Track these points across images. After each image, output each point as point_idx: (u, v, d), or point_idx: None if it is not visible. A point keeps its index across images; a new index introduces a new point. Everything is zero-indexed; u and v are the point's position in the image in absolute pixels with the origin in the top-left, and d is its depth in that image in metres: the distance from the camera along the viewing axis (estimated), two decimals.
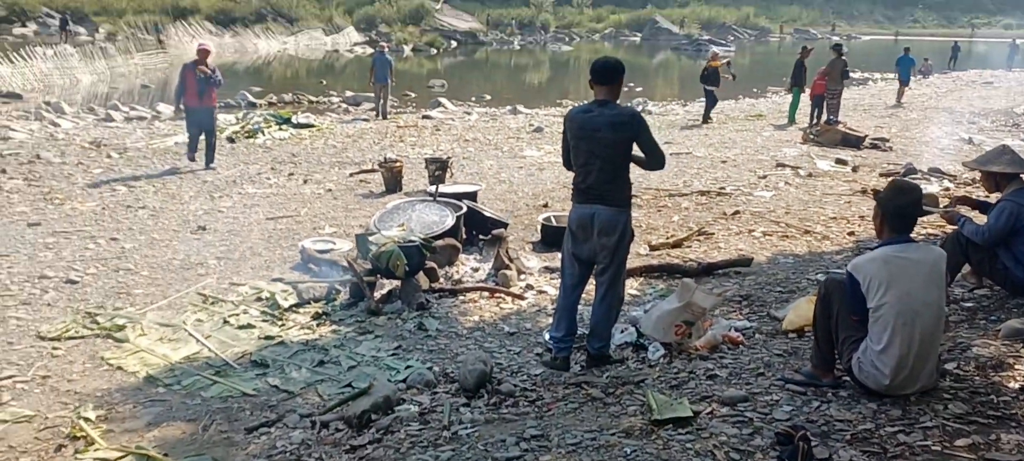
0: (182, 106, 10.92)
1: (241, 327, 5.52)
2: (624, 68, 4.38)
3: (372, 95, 18.55)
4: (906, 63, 21.82)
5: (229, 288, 6.36)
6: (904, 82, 21.82)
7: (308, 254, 7.03)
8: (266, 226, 8.27)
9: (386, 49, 18.87)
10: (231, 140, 13.24)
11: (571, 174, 4.46)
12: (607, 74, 4.28)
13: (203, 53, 10.83)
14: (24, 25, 41.25)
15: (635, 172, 4.40)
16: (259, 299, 6.10)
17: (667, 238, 7.74)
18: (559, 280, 4.78)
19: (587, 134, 4.23)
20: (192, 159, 11.00)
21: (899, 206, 3.53)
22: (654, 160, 4.35)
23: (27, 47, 23.65)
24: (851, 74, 18.80)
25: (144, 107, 18.30)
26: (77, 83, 22.98)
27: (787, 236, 7.76)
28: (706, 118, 17.09)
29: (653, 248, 7.47)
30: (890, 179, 3.82)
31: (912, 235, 3.58)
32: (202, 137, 10.92)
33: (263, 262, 7.09)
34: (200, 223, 8.24)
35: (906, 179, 4.25)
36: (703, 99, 17.72)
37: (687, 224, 8.32)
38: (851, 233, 7.75)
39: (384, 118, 17.48)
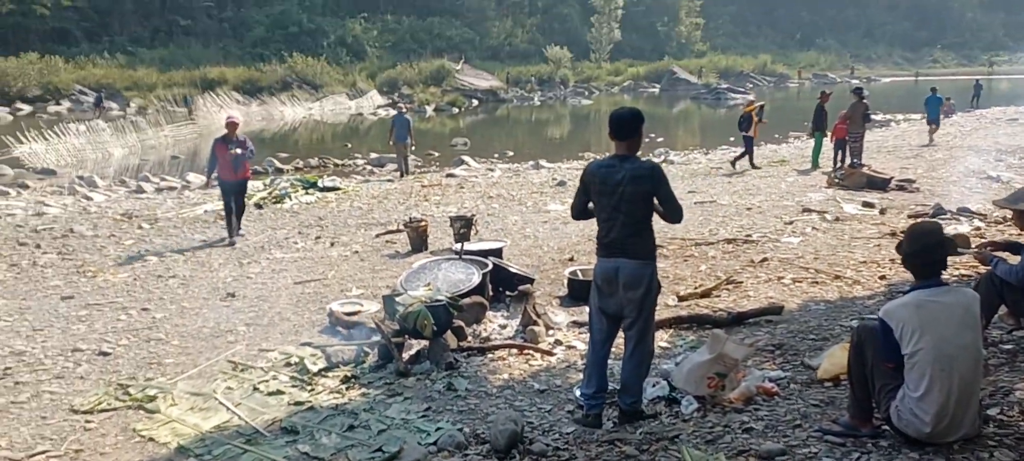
0: (216, 180, 10.84)
1: (271, 393, 5.52)
2: (643, 118, 4.38)
3: (395, 155, 18.82)
4: (934, 103, 21.71)
5: (258, 354, 6.39)
6: (933, 122, 21.70)
7: (336, 317, 7.06)
8: (294, 290, 8.33)
9: (404, 110, 19.48)
10: (259, 206, 13.42)
11: (584, 224, 4.46)
12: (625, 128, 4.30)
13: (232, 125, 10.71)
14: (58, 103, 42.42)
15: (659, 222, 4.39)
16: (288, 364, 6.11)
17: (695, 288, 7.67)
18: (587, 335, 4.75)
19: (609, 189, 4.26)
20: (233, 243, 10.67)
21: (920, 251, 3.48)
22: (672, 213, 4.33)
23: (61, 123, 24.30)
24: (873, 116, 18.74)
25: (174, 177, 18.67)
26: (109, 157, 23.52)
27: (817, 282, 7.66)
28: (751, 164, 17.06)
29: (681, 299, 7.41)
30: (910, 225, 3.78)
31: (944, 278, 3.53)
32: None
33: (292, 327, 7.12)
34: (229, 290, 8.32)
35: (923, 222, 4.22)
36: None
37: (715, 273, 8.25)
38: (882, 277, 7.64)
39: (406, 176, 17.76)
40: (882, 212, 11.32)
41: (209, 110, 34.28)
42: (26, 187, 16.64)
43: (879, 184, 13.34)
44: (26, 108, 40.39)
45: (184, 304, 7.87)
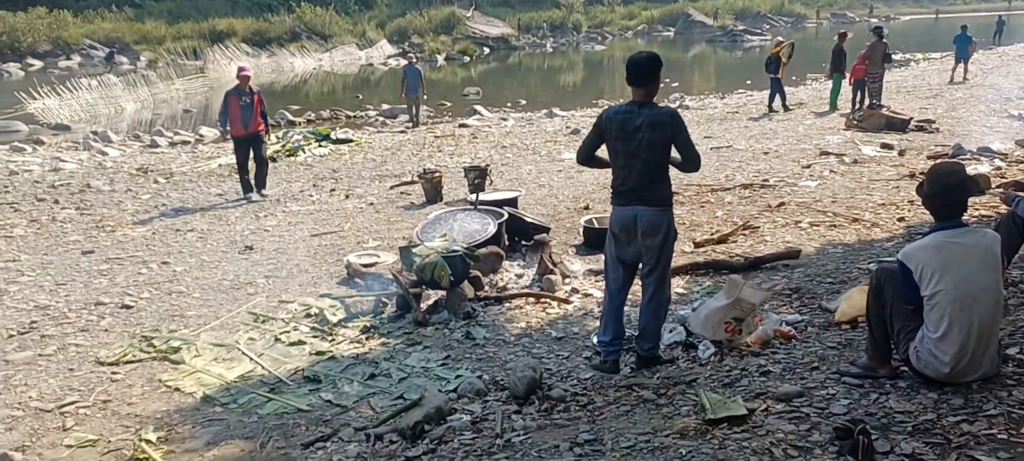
0: (228, 133, 10.75)
1: (292, 344, 5.59)
2: (661, 63, 4.30)
3: (406, 106, 18.85)
4: (964, 41, 21.24)
5: (278, 306, 6.46)
6: (963, 59, 21.27)
7: (353, 269, 7.11)
8: (311, 243, 8.39)
9: (415, 60, 19.60)
10: (272, 159, 13.42)
11: (599, 172, 4.42)
12: (642, 74, 4.22)
13: (244, 78, 10.44)
14: (68, 57, 42.36)
15: (674, 168, 4.36)
16: (308, 315, 6.19)
17: (711, 234, 7.66)
18: (603, 283, 4.76)
19: (626, 135, 4.20)
20: (248, 197, 10.58)
21: (941, 192, 3.44)
22: (690, 162, 4.26)
23: (72, 78, 24.31)
24: (893, 56, 18.41)
25: (187, 131, 18.70)
26: (122, 111, 23.55)
27: (835, 226, 7.63)
28: (771, 107, 16.98)
29: (698, 245, 7.40)
30: (930, 166, 3.73)
31: (964, 219, 3.49)
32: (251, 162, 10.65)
33: (310, 279, 7.18)
34: (247, 243, 8.39)
35: (944, 162, 4.19)
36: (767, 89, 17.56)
37: (731, 219, 8.23)
38: (901, 219, 7.59)
39: (419, 127, 17.87)
40: (901, 154, 11.19)
41: (219, 62, 34.15)
42: (41, 143, 16.71)
43: (898, 125, 13.17)
44: (37, 63, 40.36)
45: (203, 257, 7.95)
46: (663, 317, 4.60)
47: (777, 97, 17.12)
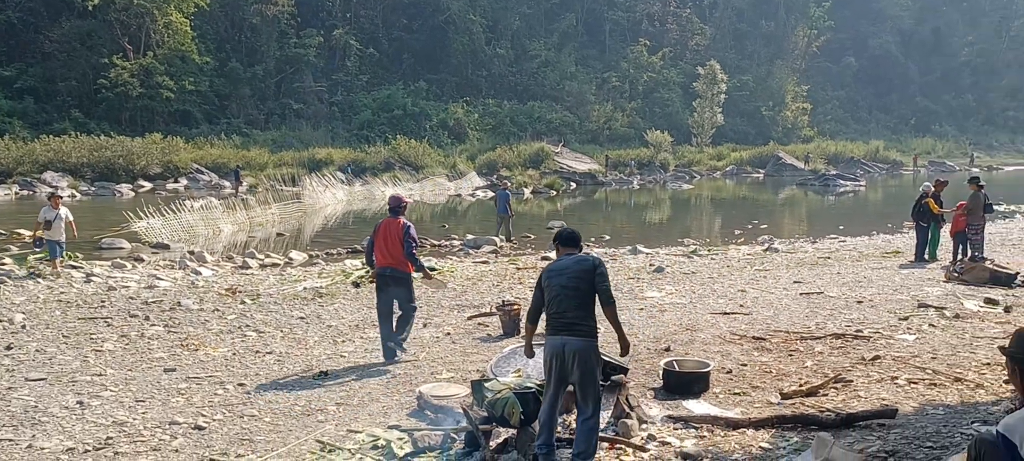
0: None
1: None
2: (581, 236, 5.93)
3: (493, 235, 21.34)
4: None
5: (346, 435, 6.36)
6: None
7: (425, 400, 6.99)
8: (385, 371, 8.33)
9: (506, 186, 24.13)
10: (356, 284, 13.67)
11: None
12: (572, 241, 5.73)
13: (399, 207, 9.16)
14: (176, 180, 45.06)
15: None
16: (375, 447, 6.06)
17: (800, 385, 7.24)
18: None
19: (558, 271, 5.50)
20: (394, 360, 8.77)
21: None
22: (605, 298, 5.43)
23: (177, 200, 25.72)
24: (995, 206, 17.65)
25: (278, 254, 19.32)
26: (219, 233, 24.63)
27: (935, 384, 7.11)
28: (924, 257, 15.73)
29: (785, 396, 6.99)
30: (1016, 330, 3.41)
31: None
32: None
33: (381, 408, 7.09)
34: (322, 368, 8.41)
35: None
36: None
37: (822, 370, 7.79)
38: (1008, 380, 7.01)
39: (509, 242, 20.82)
40: (1007, 310, 10.52)
41: (315, 189, 35.62)
42: (141, 261, 17.50)
43: (1004, 279, 12.46)
44: (147, 185, 43.07)
45: (279, 380, 7.98)
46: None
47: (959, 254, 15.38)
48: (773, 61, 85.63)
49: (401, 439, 6.21)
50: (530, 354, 6.14)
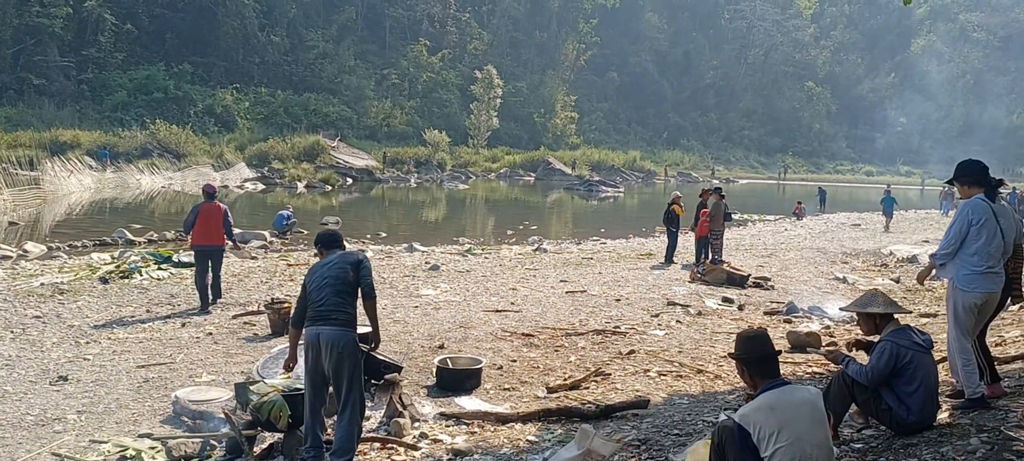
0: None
1: None
2: (342, 236, 6.17)
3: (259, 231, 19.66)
4: (889, 202, 27.50)
5: (89, 447, 5.77)
6: (888, 216, 27.31)
7: (182, 406, 6.51)
8: (136, 375, 7.66)
9: (290, 212, 23.19)
10: (104, 280, 12.46)
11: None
12: (333, 242, 5.92)
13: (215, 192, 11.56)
14: None
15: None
16: (123, 458, 5.54)
17: (564, 379, 7.61)
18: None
19: (322, 266, 5.60)
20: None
21: (756, 352, 3.66)
22: (367, 292, 5.58)
23: None
24: (733, 215, 19.70)
25: (10, 246, 17.14)
26: None
27: (681, 376, 7.77)
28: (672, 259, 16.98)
29: (551, 390, 7.31)
30: (738, 332, 3.92)
31: (787, 377, 3.64)
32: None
33: (130, 415, 6.51)
34: (62, 373, 7.56)
35: (747, 328, 4.55)
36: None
37: (584, 364, 8.24)
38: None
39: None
40: (740, 308, 11.75)
41: (58, 174, 32.20)
42: None
43: (738, 281, 13.92)
44: None
45: (6, 388, 7.07)
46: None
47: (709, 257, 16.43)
48: (545, 71, 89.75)
49: (153, 448, 5.74)
50: (293, 362, 5.86)
